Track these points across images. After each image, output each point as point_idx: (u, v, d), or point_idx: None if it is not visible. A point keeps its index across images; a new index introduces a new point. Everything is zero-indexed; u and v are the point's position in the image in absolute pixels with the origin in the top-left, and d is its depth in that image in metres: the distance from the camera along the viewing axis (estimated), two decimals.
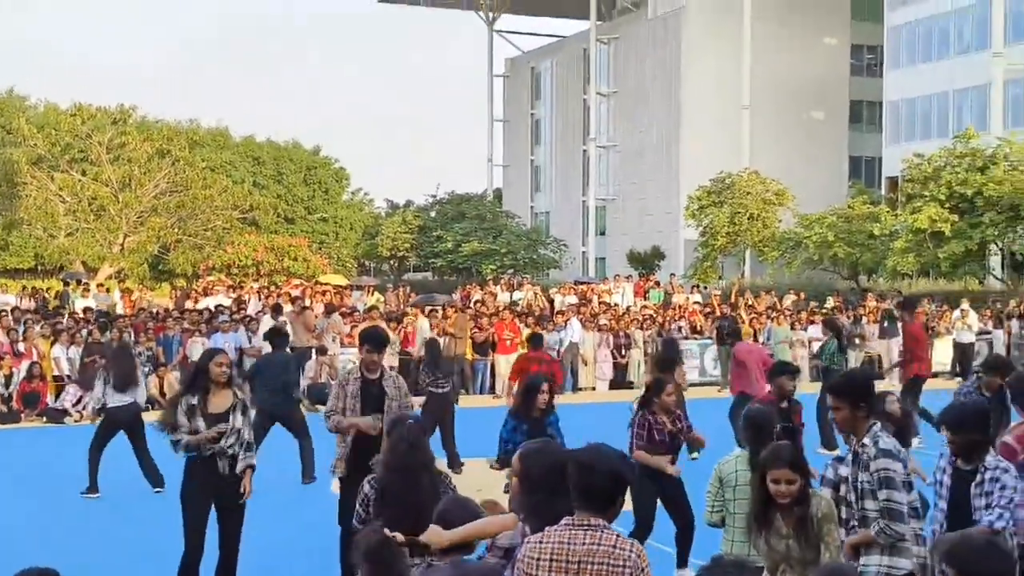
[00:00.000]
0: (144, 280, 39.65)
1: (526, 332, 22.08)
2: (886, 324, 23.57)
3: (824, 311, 26.07)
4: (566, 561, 3.99)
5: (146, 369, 19.12)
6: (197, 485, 7.62)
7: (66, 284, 29.75)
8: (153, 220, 40.41)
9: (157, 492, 11.51)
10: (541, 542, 4.07)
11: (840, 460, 5.53)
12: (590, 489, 4.07)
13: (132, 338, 19.07)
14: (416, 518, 4.92)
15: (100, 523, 10.80)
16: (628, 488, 4.21)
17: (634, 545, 4.06)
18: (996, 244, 34.47)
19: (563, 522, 4.10)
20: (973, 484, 5.56)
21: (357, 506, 5.76)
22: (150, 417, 10.54)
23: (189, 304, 25.58)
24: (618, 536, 4.06)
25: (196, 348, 19.40)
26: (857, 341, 22.32)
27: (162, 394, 18.45)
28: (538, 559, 4.04)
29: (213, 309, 22.97)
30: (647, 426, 8.35)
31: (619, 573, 3.96)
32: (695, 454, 12.11)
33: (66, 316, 21.47)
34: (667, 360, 13.33)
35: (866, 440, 5.27)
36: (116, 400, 11.72)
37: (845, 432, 5.56)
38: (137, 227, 40.61)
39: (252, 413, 8.06)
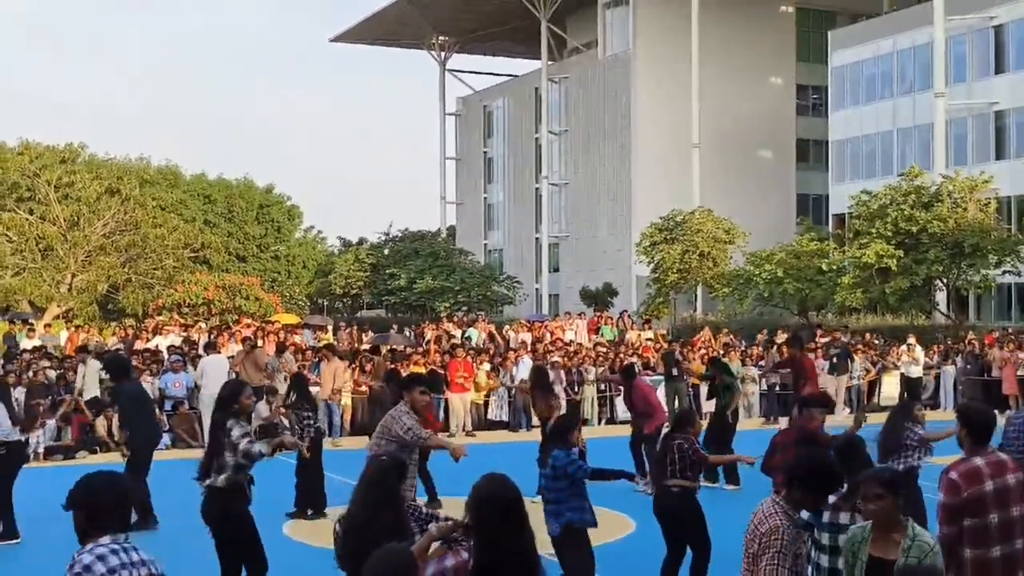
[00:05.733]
0: (93, 320, 39.06)
1: (482, 371, 22.14)
2: (835, 360, 23.85)
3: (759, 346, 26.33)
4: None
5: (94, 410, 18.89)
6: (245, 506, 8.02)
7: (12, 324, 29.27)
8: (102, 259, 39.92)
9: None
10: None
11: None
12: None
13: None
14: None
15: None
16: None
17: None
18: (941, 280, 35.11)
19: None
20: None
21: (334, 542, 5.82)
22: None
23: (139, 344, 25.26)
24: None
25: (145, 388, 19.12)
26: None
27: (109, 434, 18.19)
28: None
29: (161, 349, 22.74)
30: None
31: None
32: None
33: (16, 357, 21.12)
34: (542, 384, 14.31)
35: None
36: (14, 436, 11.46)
37: None
38: (86, 266, 40.09)
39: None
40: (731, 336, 29.63)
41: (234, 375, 19.29)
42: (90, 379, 18.66)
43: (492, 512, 4.71)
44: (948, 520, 5.87)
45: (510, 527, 4.67)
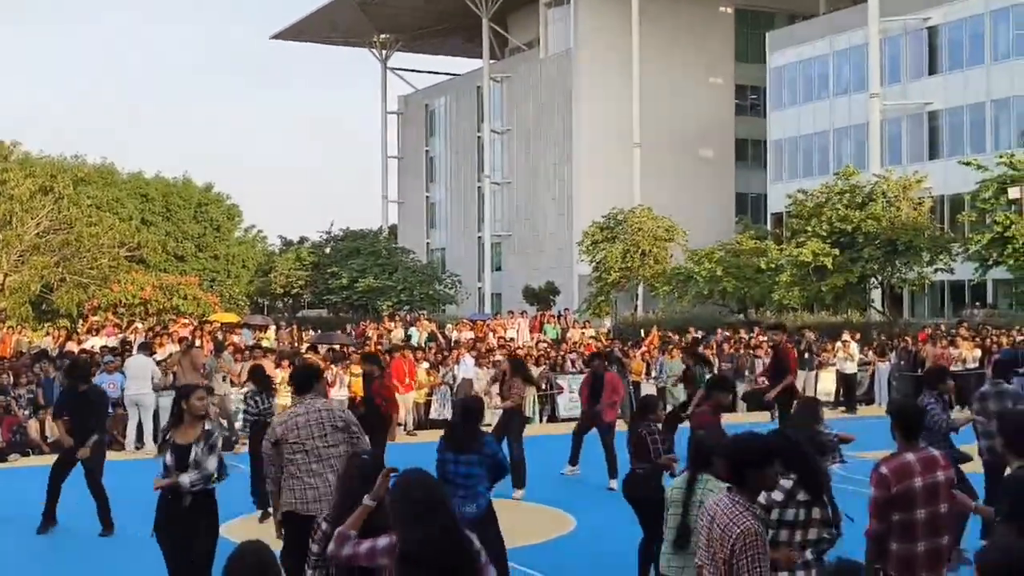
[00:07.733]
0: (27, 320, 38.25)
1: (421, 369, 22.09)
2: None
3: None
4: None
5: (27, 412, 18.51)
6: (166, 517, 7.63)
7: None
8: (35, 259, 39.10)
9: None
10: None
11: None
12: None
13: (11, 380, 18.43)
14: None
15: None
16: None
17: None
18: (876, 278, 35.70)
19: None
20: None
21: (310, 542, 5.65)
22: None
23: (71, 345, 24.79)
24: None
25: None
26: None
27: (43, 437, 17.83)
28: None
29: (97, 349, 22.36)
30: None
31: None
32: None
33: None
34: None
35: None
36: None
37: None
38: (18, 266, 39.26)
39: (220, 445, 7.87)
40: (686, 332, 29.77)
41: (171, 376, 19.05)
42: None
43: (413, 504, 4.72)
44: (878, 514, 5.98)
45: (429, 517, 4.66)
